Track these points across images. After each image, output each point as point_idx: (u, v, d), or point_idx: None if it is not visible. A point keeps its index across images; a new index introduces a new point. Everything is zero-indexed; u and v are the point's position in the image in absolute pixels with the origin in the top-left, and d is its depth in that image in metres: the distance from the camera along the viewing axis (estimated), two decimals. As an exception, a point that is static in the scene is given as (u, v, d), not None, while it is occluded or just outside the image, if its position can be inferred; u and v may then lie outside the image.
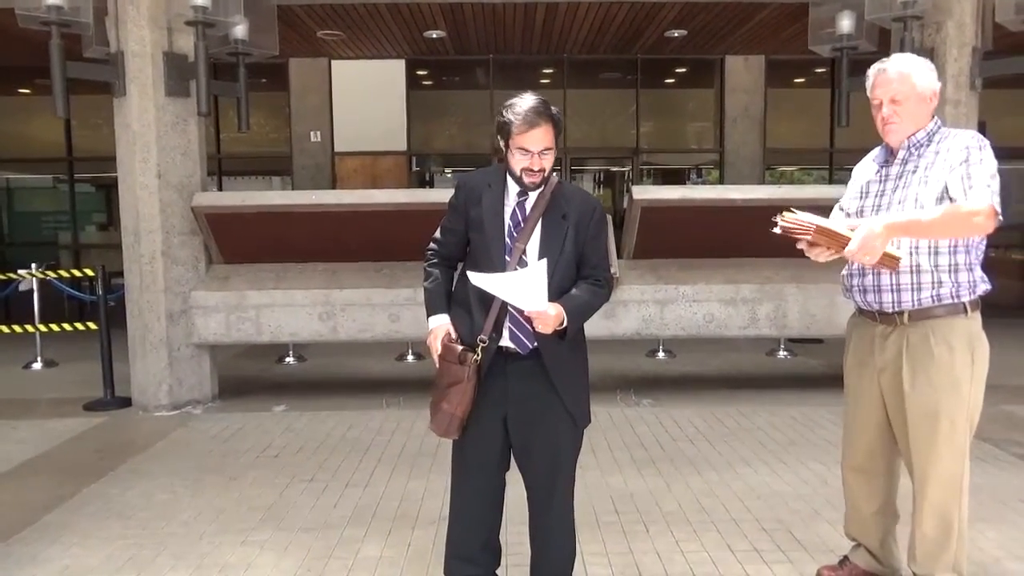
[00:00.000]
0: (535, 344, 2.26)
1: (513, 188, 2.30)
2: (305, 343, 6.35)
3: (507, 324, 2.26)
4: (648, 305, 5.46)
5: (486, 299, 2.24)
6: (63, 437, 4.83)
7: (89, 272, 6.79)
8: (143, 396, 5.43)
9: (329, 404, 5.51)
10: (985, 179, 2.29)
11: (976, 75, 5.22)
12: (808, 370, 6.65)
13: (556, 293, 2.21)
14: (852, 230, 2.27)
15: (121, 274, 5.54)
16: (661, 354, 7.15)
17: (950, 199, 2.32)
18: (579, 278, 2.32)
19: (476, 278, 2.20)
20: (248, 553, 3.14)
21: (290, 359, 7.12)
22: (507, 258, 2.25)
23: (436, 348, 2.31)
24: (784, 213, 2.35)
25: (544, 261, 2.18)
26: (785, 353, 7.13)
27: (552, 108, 2.24)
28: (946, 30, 5.21)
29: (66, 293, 7.39)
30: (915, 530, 2.50)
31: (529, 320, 2.20)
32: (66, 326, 6.73)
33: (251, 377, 6.54)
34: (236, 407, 5.49)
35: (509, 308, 2.23)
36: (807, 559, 3.02)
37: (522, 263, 2.24)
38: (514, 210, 2.30)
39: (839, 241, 2.27)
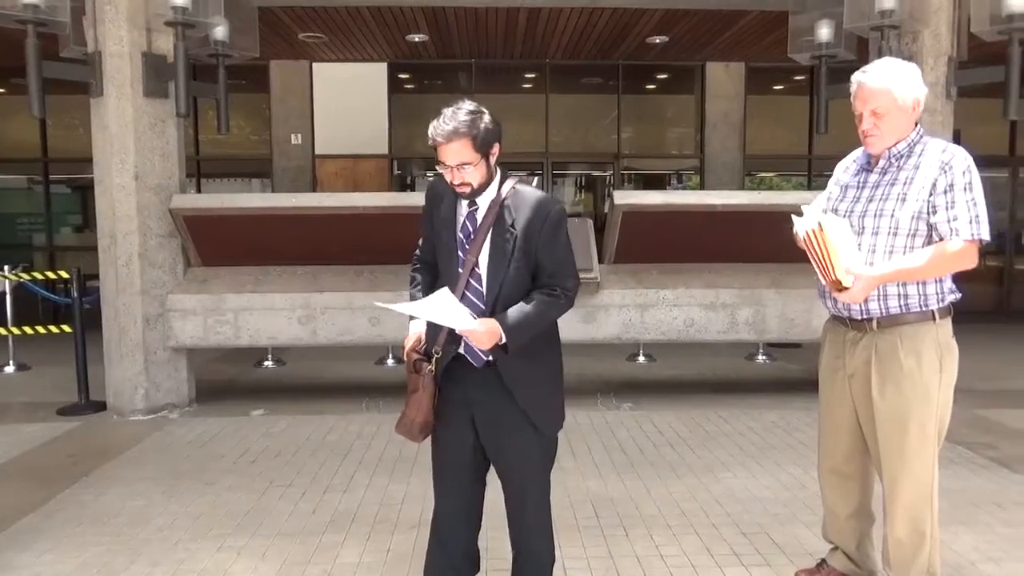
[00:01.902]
0: (490, 358, 2.24)
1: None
2: (284, 347, 6.30)
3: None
4: (629, 309, 5.48)
5: None
6: (36, 442, 4.75)
7: (64, 274, 6.69)
8: (118, 400, 5.36)
9: (308, 408, 5.47)
10: (971, 211, 2.30)
11: (952, 84, 5.30)
12: (786, 374, 6.70)
13: (505, 305, 2.20)
14: (848, 272, 2.31)
15: (97, 277, 5.47)
16: (641, 358, 7.18)
17: (932, 225, 2.34)
18: (536, 287, 2.24)
19: (395, 307, 2.24)
20: (225, 559, 3.11)
21: (269, 363, 7.06)
22: (460, 270, 2.23)
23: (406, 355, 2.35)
24: (820, 220, 2.31)
25: (445, 289, 2.15)
26: (764, 357, 7.19)
27: (478, 123, 2.13)
28: (923, 40, 5.29)
29: (40, 295, 7.28)
30: (888, 534, 2.52)
31: None
32: (40, 329, 6.64)
33: (229, 381, 6.48)
34: (213, 411, 5.43)
35: None
36: (785, 562, 3.04)
37: (475, 275, 2.23)
38: (464, 222, 2.27)
39: (836, 286, 2.32)
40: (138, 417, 5.26)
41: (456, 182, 2.19)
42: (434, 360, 2.25)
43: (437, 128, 2.14)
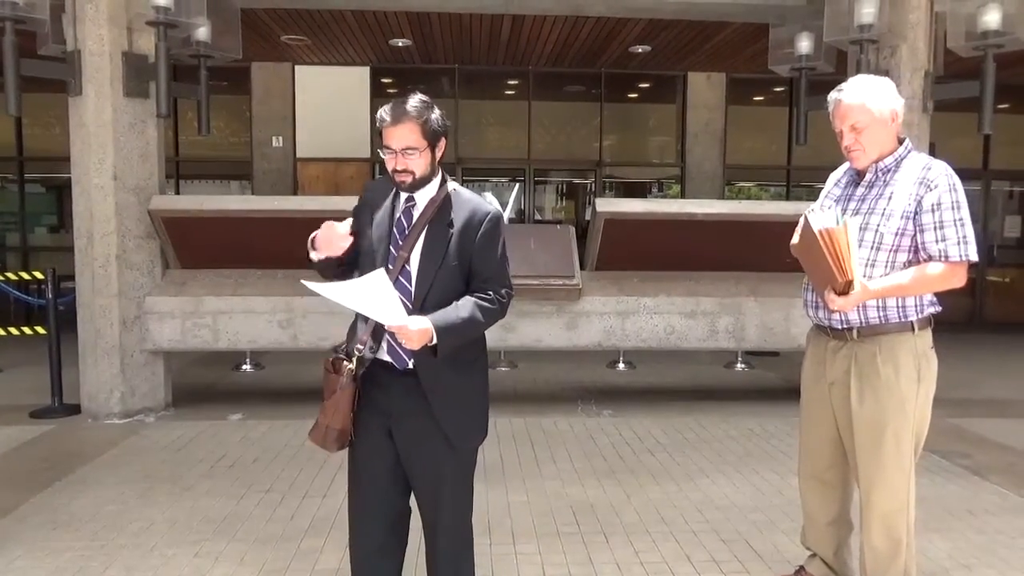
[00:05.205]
0: (412, 361, 2.12)
1: (404, 194, 2.18)
2: (264, 351, 6.24)
3: (386, 336, 2.14)
4: (610, 317, 5.50)
5: None
6: (8, 445, 4.67)
7: (38, 275, 6.58)
8: (93, 404, 5.28)
9: (287, 413, 5.42)
10: (959, 231, 2.33)
11: (928, 98, 5.39)
12: (765, 382, 6.76)
13: (434, 306, 2.09)
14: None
15: (71, 278, 5.39)
16: (622, 365, 7.21)
17: (921, 245, 2.37)
18: (469, 292, 2.15)
19: (315, 287, 2.03)
20: (202, 565, 3.07)
21: (247, 367, 6.99)
22: (389, 266, 2.11)
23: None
24: (837, 225, 2.27)
25: (382, 270, 2.01)
26: (743, 366, 7.25)
27: (428, 111, 2.10)
28: (900, 54, 5.38)
29: (13, 296, 7.16)
30: (864, 542, 2.55)
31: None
32: (12, 330, 6.52)
33: (207, 385, 6.41)
34: (191, 415, 5.37)
35: None
36: (764, 569, 3.06)
37: (404, 273, 2.12)
38: (400, 217, 2.18)
39: (848, 287, 2.29)
40: (113, 421, 5.18)
41: (398, 168, 2.10)
42: (355, 359, 2.12)
43: (386, 110, 2.10)
